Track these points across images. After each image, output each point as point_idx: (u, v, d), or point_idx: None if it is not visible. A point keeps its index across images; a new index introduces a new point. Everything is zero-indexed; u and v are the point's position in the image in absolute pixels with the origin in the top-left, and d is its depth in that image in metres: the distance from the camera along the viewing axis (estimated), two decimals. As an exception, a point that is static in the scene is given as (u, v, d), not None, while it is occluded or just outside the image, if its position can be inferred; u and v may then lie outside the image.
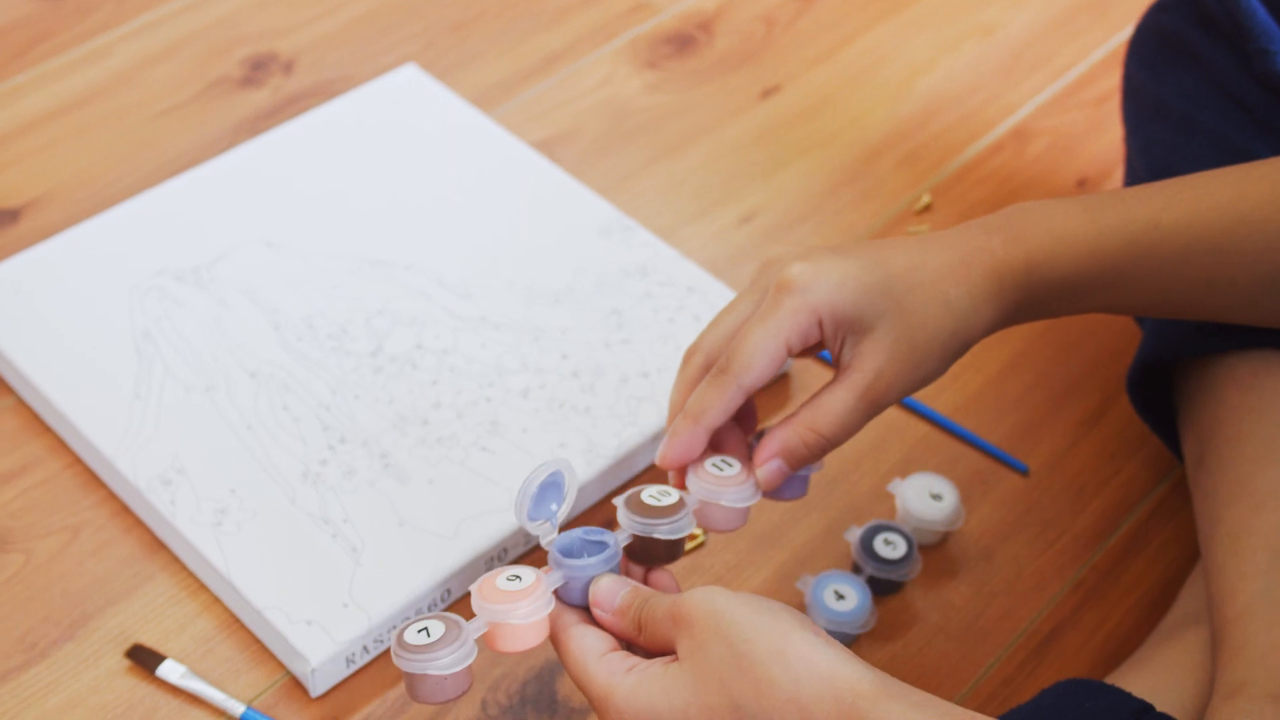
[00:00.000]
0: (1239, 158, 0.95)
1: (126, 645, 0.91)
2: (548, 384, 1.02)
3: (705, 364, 0.83)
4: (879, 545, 0.95)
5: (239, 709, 0.88)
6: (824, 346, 0.82)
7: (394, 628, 0.91)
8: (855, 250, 0.82)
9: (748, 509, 0.84)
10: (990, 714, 0.91)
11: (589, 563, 0.79)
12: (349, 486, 0.96)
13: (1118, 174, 1.23)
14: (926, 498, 0.98)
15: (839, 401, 0.81)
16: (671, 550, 0.82)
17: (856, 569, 0.96)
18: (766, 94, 1.30)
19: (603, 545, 0.80)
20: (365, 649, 0.90)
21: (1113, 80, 1.31)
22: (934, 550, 0.99)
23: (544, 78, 1.29)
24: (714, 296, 1.08)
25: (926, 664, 0.94)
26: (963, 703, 0.92)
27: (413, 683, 0.76)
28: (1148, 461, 1.05)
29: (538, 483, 0.79)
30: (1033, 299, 0.83)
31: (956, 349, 0.82)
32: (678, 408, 0.84)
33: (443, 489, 0.96)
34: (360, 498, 0.95)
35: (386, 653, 0.92)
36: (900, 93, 1.32)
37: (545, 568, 0.79)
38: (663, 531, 0.81)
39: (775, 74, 1.32)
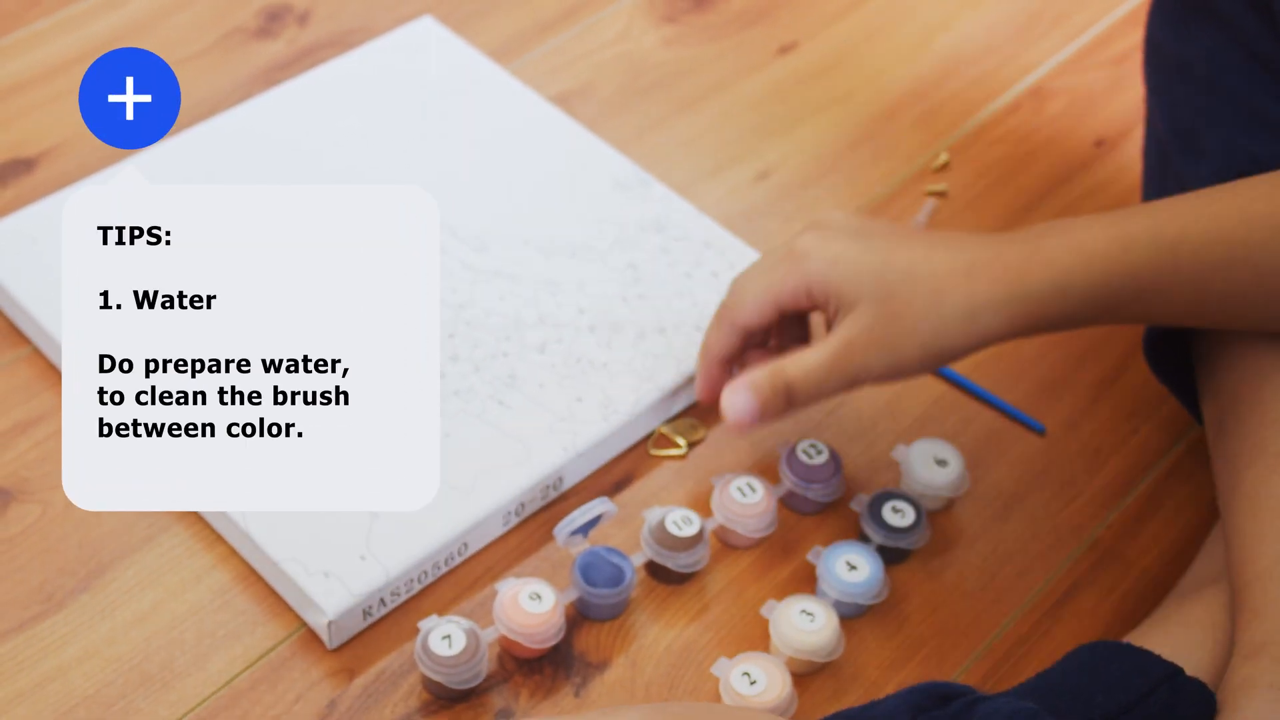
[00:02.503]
0: (1262, 121, 0.94)
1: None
2: (565, 338, 1.02)
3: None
4: (887, 513, 0.95)
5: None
6: (817, 309, 0.90)
7: (414, 581, 0.91)
8: (871, 233, 0.88)
9: (768, 528, 0.95)
10: (1007, 672, 0.92)
11: (604, 592, 0.90)
12: (366, 439, 0.96)
13: (1136, 133, 1.23)
14: (931, 464, 0.97)
15: (809, 356, 0.87)
16: (685, 576, 0.94)
17: (864, 537, 0.96)
18: (784, 50, 1.30)
19: (619, 570, 0.91)
20: (382, 601, 0.90)
21: (1132, 39, 1.31)
22: (947, 511, 0.99)
23: (561, 31, 1.29)
24: (730, 252, 1.08)
25: (940, 623, 0.94)
26: (978, 661, 0.92)
27: (431, 682, 0.87)
28: (1165, 422, 1.05)
29: (588, 518, 0.91)
30: (1056, 311, 0.84)
31: (937, 348, 0.85)
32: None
33: (459, 442, 0.96)
34: (377, 451, 0.95)
35: (403, 606, 0.92)
36: (918, 50, 1.31)
37: (565, 589, 0.91)
38: (678, 565, 0.92)
39: (793, 30, 1.32)
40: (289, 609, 0.91)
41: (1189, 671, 0.82)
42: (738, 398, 0.89)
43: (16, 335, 1.03)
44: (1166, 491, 1.02)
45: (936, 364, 0.87)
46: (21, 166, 1.14)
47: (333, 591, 0.89)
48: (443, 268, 1.05)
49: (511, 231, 1.08)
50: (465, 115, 1.16)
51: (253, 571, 0.93)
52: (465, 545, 0.93)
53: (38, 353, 1.02)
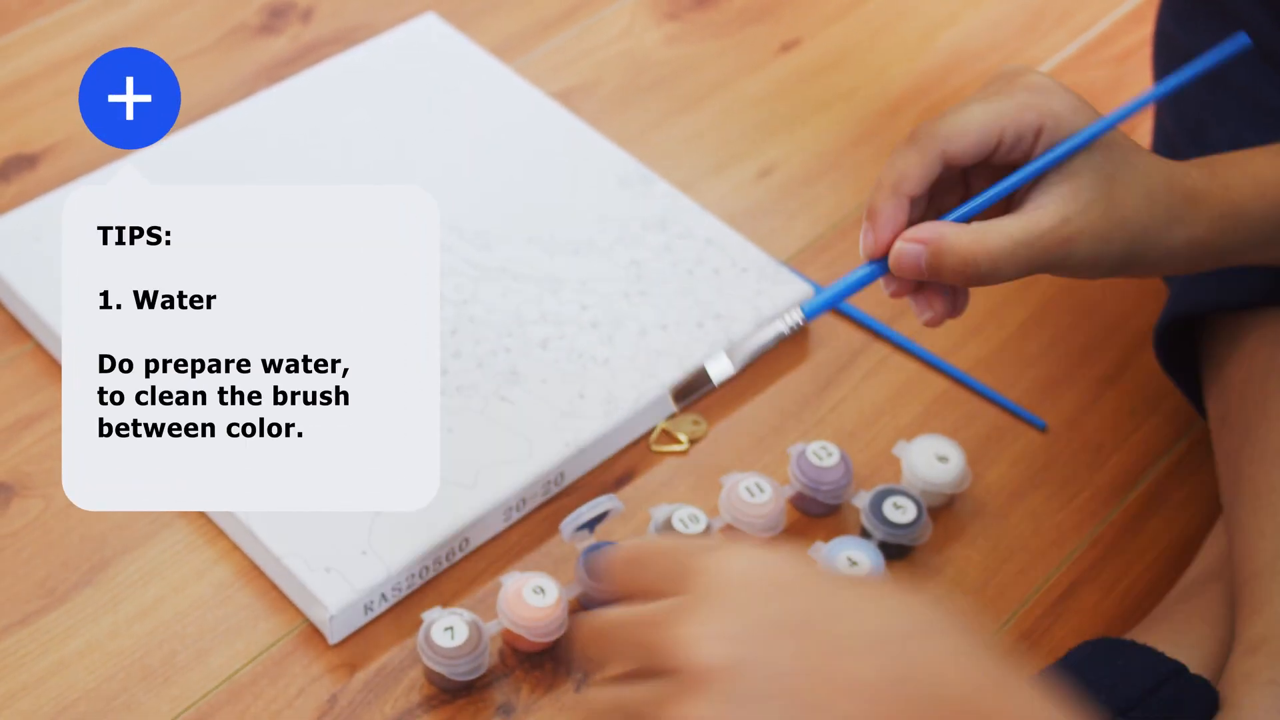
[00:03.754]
0: (1270, 115, 0.94)
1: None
2: (567, 335, 1.02)
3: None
4: (888, 509, 0.95)
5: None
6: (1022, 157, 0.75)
7: (415, 576, 0.92)
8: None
9: (775, 529, 0.95)
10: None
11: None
12: (368, 435, 0.96)
13: (1139, 131, 1.22)
14: (933, 460, 0.97)
15: (1009, 225, 0.73)
16: None
17: (865, 534, 0.96)
18: (786, 47, 1.30)
19: None
20: (383, 596, 0.91)
21: (1135, 36, 1.31)
22: (948, 509, 0.99)
23: (564, 28, 1.29)
24: (733, 249, 1.08)
25: (942, 619, 0.94)
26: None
27: (433, 673, 0.88)
28: (1167, 419, 1.05)
29: (594, 514, 0.91)
30: (1229, 240, 0.78)
31: (1140, 251, 0.75)
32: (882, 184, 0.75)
33: (461, 438, 0.96)
34: (379, 447, 0.95)
35: (404, 601, 0.92)
36: (921, 47, 1.31)
37: (569, 583, 0.91)
38: None
39: (795, 27, 1.32)
40: (290, 604, 0.91)
41: (1192, 669, 0.83)
42: (906, 254, 0.74)
43: (19, 330, 1.03)
44: (1168, 488, 1.02)
45: (1126, 271, 0.76)
46: (24, 162, 1.14)
47: (334, 586, 0.89)
48: (445, 265, 1.05)
49: (514, 229, 1.08)
50: (468, 112, 1.16)
51: (254, 567, 0.93)
52: (466, 540, 0.94)
53: (40, 348, 1.02)
